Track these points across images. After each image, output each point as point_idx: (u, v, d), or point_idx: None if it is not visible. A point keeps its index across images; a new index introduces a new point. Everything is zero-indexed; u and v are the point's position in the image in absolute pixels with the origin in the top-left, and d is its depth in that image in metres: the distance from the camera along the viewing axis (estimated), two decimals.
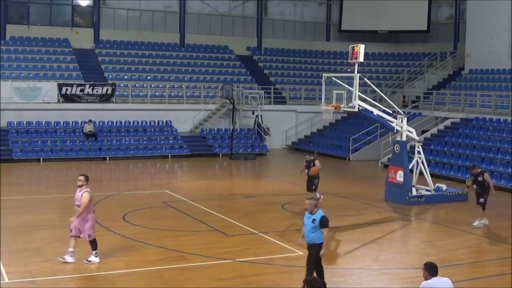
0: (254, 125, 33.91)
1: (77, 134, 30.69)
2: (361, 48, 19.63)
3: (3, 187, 21.37)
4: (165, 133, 32.34)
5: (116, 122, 32.05)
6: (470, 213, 19.31)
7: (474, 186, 17.32)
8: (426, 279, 8.12)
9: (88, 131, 30.49)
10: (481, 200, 17.10)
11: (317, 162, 19.06)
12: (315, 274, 10.52)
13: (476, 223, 17.05)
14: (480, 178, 17.06)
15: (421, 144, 21.22)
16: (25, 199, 20.13)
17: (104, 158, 29.76)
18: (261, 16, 41.13)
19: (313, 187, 18.89)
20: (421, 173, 20.90)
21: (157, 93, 34.62)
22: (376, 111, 20.58)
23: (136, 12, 38.60)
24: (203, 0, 39.59)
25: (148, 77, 35.41)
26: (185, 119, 33.45)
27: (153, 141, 31.53)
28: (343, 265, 13.36)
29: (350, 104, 20.08)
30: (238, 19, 40.83)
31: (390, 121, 20.82)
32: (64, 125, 31.00)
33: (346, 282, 12.15)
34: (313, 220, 10.60)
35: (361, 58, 19.66)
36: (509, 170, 23.56)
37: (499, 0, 32.90)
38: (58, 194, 21.44)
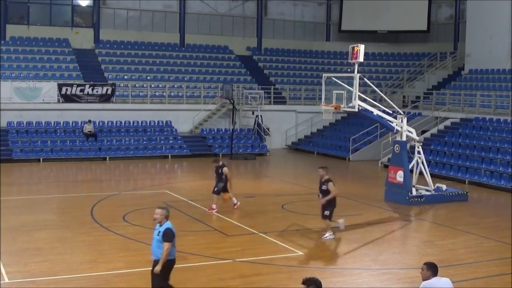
0: (254, 125, 33.90)
1: (77, 134, 30.68)
2: (361, 48, 19.62)
3: (3, 187, 21.36)
4: (165, 133, 32.34)
5: (116, 122, 32.05)
6: (470, 213, 19.36)
7: (320, 195, 15.28)
8: (427, 278, 8.11)
9: (88, 131, 30.49)
10: (326, 213, 15.15)
11: (225, 169, 17.90)
12: None
13: (326, 235, 15.28)
14: (324, 187, 15.12)
15: (421, 144, 21.22)
16: (25, 199, 20.13)
17: (104, 158, 29.75)
18: (261, 16, 41.13)
19: (215, 189, 18.02)
20: (421, 173, 20.90)
21: (157, 93, 34.62)
22: (376, 111, 20.57)
23: (136, 12, 38.60)
24: (203, 0, 39.59)
25: (148, 77, 35.41)
26: (185, 119, 33.45)
27: (153, 141, 31.53)
28: (343, 265, 13.37)
29: (350, 104, 20.07)
30: (238, 19, 40.83)
31: (390, 121, 20.82)
32: (64, 125, 30.99)
33: (346, 282, 12.14)
34: (159, 233, 9.62)
35: (361, 58, 19.64)
36: (509, 170, 23.56)
37: (499, 0, 32.90)
38: (58, 194, 21.46)
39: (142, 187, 23.01)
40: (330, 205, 15.14)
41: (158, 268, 9.50)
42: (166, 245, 9.50)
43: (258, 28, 41.10)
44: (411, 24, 40.34)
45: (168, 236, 9.53)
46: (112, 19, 37.97)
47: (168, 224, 9.67)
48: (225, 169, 18.00)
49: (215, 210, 18.04)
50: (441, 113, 31.09)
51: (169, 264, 9.69)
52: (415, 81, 38.21)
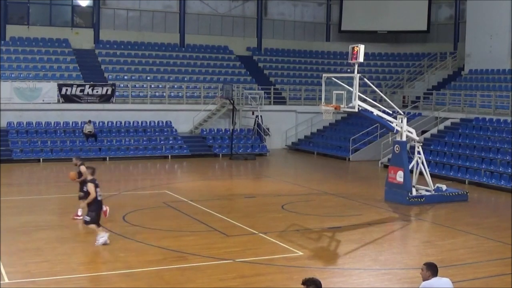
0: (254, 125, 33.90)
1: (77, 134, 30.68)
2: (361, 48, 19.61)
3: (3, 187, 21.36)
4: (165, 133, 32.34)
5: (116, 122, 32.04)
6: (470, 213, 19.36)
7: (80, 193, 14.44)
8: (427, 279, 8.11)
9: (88, 131, 30.48)
10: (87, 218, 14.03)
11: (82, 167, 16.25)
12: None
13: (99, 238, 14.11)
14: (85, 188, 14.17)
15: (421, 144, 21.22)
16: (25, 199, 20.13)
17: (104, 159, 29.75)
18: (261, 16, 41.13)
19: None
20: (421, 173, 20.89)
21: (157, 93, 34.61)
22: (376, 111, 20.57)
23: (136, 12, 38.60)
24: (203, 0, 39.59)
25: (148, 77, 35.40)
26: (185, 119, 33.44)
27: (153, 142, 31.52)
28: (343, 265, 13.37)
29: (350, 105, 20.06)
30: (238, 19, 40.83)
31: (390, 121, 20.82)
32: (64, 125, 30.98)
33: (346, 282, 12.14)
34: None
35: (361, 58, 19.64)
36: (509, 170, 23.55)
37: (499, 0, 32.91)
38: (58, 194, 21.44)
39: (142, 188, 23.01)
40: (91, 209, 14.02)
41: None
42: None
43: (258, 28, 41.10)
44: (411, 24, 40.33)
45: None
46: (112, 19, 37.97)
47: None
48: (82, 168, 16.33)
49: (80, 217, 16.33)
50: (441, 113, 31.09)
51: None
52: (415, 81, 38.21)
